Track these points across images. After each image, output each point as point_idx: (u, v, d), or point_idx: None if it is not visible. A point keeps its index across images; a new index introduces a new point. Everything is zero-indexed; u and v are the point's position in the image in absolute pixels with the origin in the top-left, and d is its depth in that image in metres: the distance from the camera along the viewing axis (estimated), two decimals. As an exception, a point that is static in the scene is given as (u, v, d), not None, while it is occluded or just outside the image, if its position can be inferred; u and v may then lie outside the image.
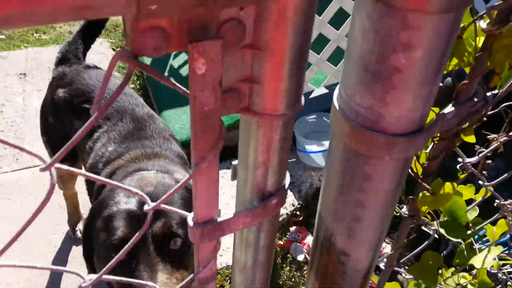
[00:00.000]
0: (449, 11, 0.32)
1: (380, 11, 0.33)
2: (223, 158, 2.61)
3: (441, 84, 0.48)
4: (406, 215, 0.60)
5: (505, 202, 0.77)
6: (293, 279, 2.38)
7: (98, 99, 0.26)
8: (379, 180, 0.45)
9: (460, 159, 0.58)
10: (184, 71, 2.88)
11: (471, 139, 0.51)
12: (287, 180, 0.45)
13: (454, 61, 0.44)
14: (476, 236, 1.00)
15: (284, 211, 2.58)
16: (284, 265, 2.47)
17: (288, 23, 0.30)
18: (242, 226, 0.41)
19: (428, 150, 0.53)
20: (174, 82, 0.30)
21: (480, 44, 0.43)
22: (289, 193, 2.62)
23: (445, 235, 0.60)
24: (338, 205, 0.50)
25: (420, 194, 0.52)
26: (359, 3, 0.35)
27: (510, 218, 0.81)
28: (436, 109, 0.49)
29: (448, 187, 0.55)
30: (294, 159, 2.57)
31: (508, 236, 1.07)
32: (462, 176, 0.59)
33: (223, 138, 0.34)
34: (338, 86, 0.43)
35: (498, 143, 0.56)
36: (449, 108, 0.45)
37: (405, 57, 0.35)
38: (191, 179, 0.34)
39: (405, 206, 0.62)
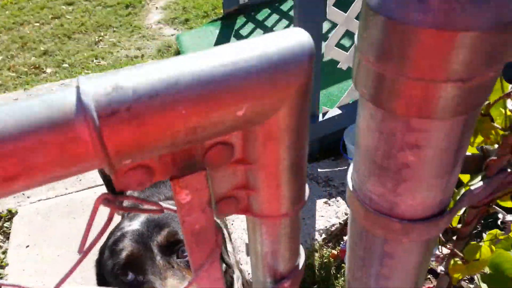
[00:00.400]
0: (459, 115, 0.29)
1: (382, 115, 0.31)
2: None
3: (469, 153, 0.44)
4: (442, 272, 0.57)
5: None
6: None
7: (83, 242, 0.27)
8: (401, 257, 0.43)
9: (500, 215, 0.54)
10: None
11: (509, 204, 0.47)
12: (302, 259, 0.44)
13: (480, 138, 0.40)
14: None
15: (337, 220, 2.54)
16: (339, 275, 2.43)
17: (277, 142, 0.29)
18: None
19: (460, 213, 0.50)
20: (164, 205, 0.30)
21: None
22: (341, 201, 2.57)
23: (489, 294, 0.56)
24: (363, 275, 0.48)
25: (452, 261, 0.49)
26: (362, 101, 0.33)
27: None
28: (466, 177, 0.46)
29: (485, 249, 0.52)
30: (345, 167, 2.52)
31: None
32: (502, 237, 0.54)
33: (219, 246, 0.33)
34: (351, 166, 0.42)
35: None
36: (478, 182, 0.41)
37: (414, 155, 0.32)
38: (191, 285, 0.34)
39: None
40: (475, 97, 0.28)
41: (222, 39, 3.19)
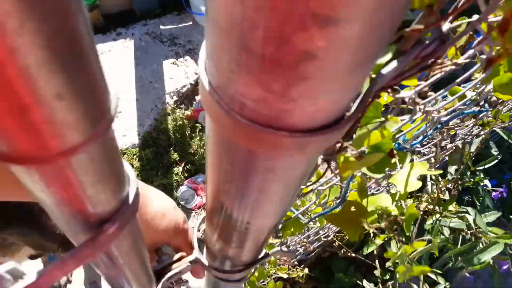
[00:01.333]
0: None
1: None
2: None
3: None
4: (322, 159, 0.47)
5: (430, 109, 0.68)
6: (204, 147, 2.33)
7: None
8: (284, 171, 0.31)
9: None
10: None
11: (414, 82, 0.37)
12: (131, 194, 0.29)
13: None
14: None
15: (188, 81, 2.40)
16: (194, 134, 2.39)
17: None
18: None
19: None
20: None
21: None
22: (190, 61, 2.40)
23: (368, 173, 0.49)
24: (232, 189, 0.36)
25: (341, 158, 0.38)
26: None
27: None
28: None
29: (375, 135, 0.42)
30: (191, 23, 2.30)
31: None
32: (393, 119, 0.46)
33: None
34: (203, 47, 0.24)
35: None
36: (391, 64, 0.29)
37: (324, 37, 0.17)
38: None
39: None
40: None
41: None
